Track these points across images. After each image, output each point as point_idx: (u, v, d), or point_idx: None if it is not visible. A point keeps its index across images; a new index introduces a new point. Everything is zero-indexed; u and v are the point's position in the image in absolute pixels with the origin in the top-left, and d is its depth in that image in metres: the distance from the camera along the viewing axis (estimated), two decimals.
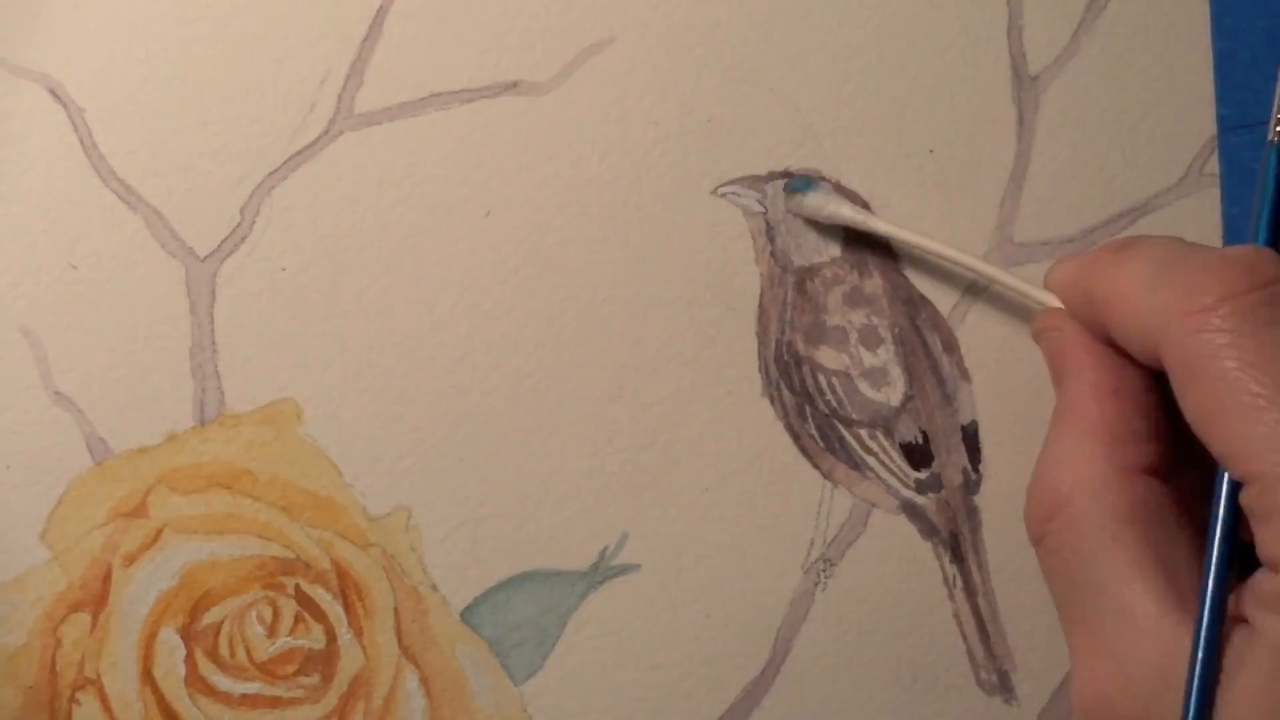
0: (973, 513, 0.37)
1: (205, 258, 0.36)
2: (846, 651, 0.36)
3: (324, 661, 0.36)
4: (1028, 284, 0.34)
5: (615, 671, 0.36)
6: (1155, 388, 0.30)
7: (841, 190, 0.37)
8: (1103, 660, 0.28)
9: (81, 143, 0.36)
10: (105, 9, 0.36)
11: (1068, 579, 0.29)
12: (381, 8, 0.37)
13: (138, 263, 0.36)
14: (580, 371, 0.37)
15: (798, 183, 0.36)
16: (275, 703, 0.36)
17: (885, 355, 0.37)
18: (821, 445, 0.37)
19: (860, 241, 0.37)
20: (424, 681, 0.36)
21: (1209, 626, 0.27)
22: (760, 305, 0.37)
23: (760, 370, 0.37)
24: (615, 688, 0.36)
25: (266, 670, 0.36)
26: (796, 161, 0.37)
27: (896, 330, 0.37)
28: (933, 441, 0.37)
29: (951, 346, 0.37)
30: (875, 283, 0.37)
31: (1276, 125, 0.31)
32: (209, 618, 0.36)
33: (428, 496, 0.36)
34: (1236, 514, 0.27)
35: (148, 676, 0.36)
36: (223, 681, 0.36)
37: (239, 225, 0.36)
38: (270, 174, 0.36)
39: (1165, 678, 0.27)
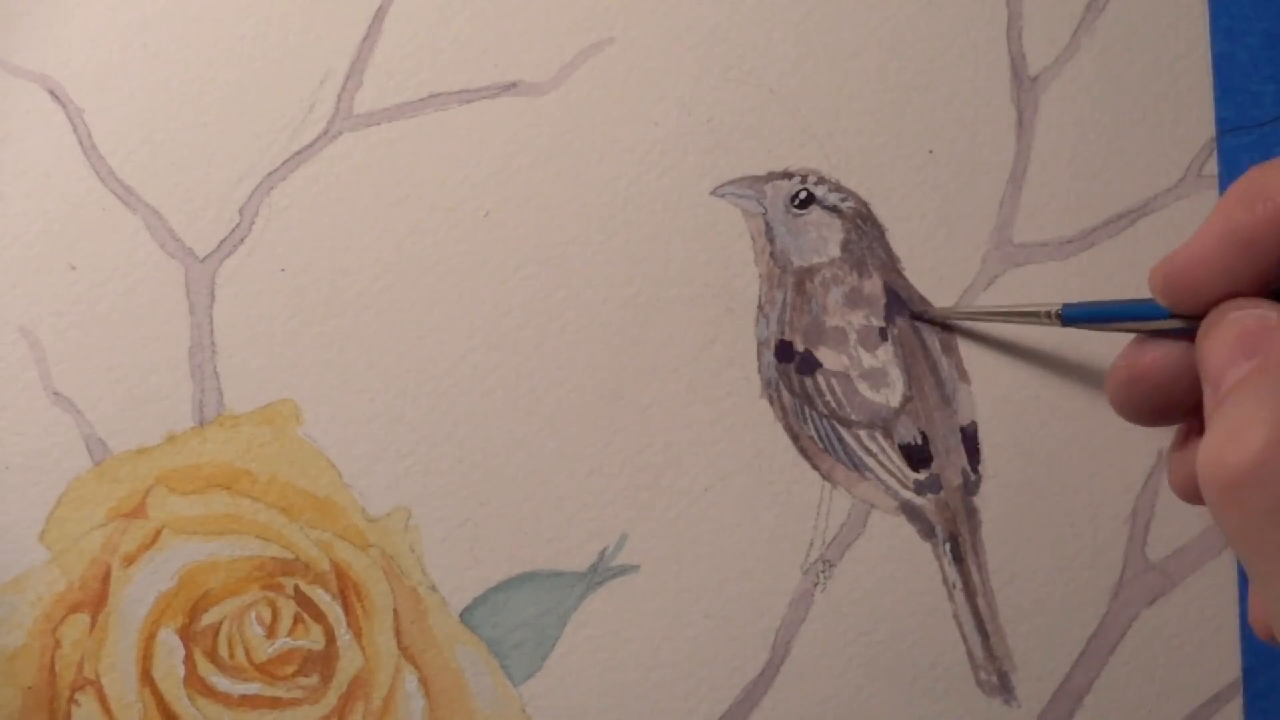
0: (972, 513, 0.37)
1: (204, 258, 0.36)
2: (846, 652, 0.36)
3: (323, 662, 0.36)
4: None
5: (614, 672, 0.36)
6: None
7: (841, 190, 0.37)
8: None
9: (80, 143, 0.36)
10: (105, 9, 0.36)
11: None
12: (381, 8, 0.37)
13: (137, 263, 0.36)
14: (580, 371, 0.37)
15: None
16: (274, 703, 0.36)
17: (884, 356, 0.37)
18: (821, 446, 0.37)
19: (860, 243, 0.37)
20: (423, 682, 0.36)
21: None
22: (759, 306, 0.37)
23: (759, 371, 0.37)
24: (614, 688, 0.36)
25: (266, 671, 0.36)
26: (796, 161, 0.37)
27: (895, 331, 0.37)
28: (932, 442, 0.37)
29: (950, 348, 0.37)
30: (874, 284, 0.37)
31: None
32: (208, 618, 0.36)
33: (427, 497, 0.36)
34: None
35: (147, 677, 0.36)
36: (222, 682, 0.36)
37: (238, 226, 0.36)
38: (269, 174, 0.36)
39: None
